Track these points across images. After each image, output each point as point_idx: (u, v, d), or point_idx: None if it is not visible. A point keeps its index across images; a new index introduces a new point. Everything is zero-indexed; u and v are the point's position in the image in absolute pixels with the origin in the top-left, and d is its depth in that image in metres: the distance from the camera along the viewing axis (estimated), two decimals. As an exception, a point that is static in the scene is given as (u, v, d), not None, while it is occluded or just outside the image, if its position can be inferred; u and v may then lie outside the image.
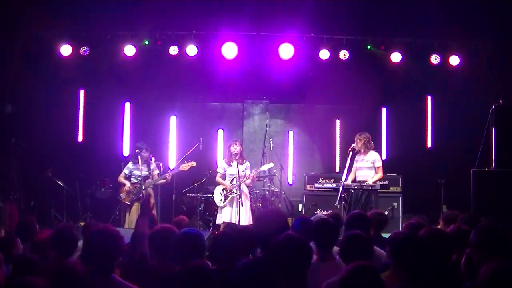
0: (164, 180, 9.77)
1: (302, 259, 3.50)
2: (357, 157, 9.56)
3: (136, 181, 9.75)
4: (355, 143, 9.47)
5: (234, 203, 9.44)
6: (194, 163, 9.83)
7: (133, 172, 9.81)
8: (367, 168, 9.48)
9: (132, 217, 9.48)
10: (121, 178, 9.89)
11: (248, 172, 9.67)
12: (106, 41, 11.04)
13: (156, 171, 9.94)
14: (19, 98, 11.23)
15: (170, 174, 9.80)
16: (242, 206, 9.38)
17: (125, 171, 9.89)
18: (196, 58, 11.12)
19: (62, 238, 4.55)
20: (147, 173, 9.71)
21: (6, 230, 6.51)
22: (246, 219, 9.41)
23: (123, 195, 9.81)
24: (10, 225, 8.81)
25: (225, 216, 9.44)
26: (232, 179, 9.58)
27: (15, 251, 4.96)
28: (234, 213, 9.40)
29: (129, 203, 9.71)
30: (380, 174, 9.45)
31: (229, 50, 10.97)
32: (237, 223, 9.02)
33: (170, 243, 4.24)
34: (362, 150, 9.49)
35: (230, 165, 9.67)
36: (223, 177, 9.68)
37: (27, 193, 10.81)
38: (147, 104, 12.02)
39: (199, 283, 3.33)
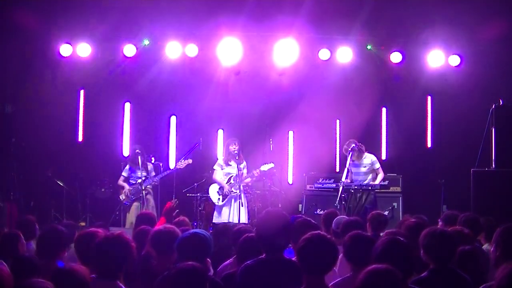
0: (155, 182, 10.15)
1: (328, 258, 3.60)
2: (350, 161, 9.54)
3: (134, 182, 10.00)
4: (351, 155, 9.36)
5: (233, 202, 9.48)
6: (190, 160, 10.02)
7: (132, 175, 10.08)
8: (364, 173, 9.52)
9: (131, 217, 9.66)
10: (120, 181, 10.17)
11: (245, 171, 9.73)
12: (106, 41, 11.03)
13: (153, 172, 10.20)
14: (19, 98, 11.22)
15: (158, 179, 10.10)
16: (242, 206, 9.43)
17: (124, 173, 10.19)
18: (196, 58, 11.13)
19: (48, 241, 4.57)
20: (145, 174, 9.92)
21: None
22: (245, 219, 9.48)
23: (122, 196, 10.06)
24: (10, 225, 8.81)
25: (224, 216, 9.49)
26: (230, 178, 9.62)
27: (20, 247, 4.99)
28: (233, 212, 9.45)
29: (128, 204, 9.95)
30: (382, 174, 9.53)
31: (229, 49, 10.97)
32: (238, 223, 9.06)
33: (172, 244, 4.25)
34: (357, 156, 9.50)
35: (228, 164, 9.73)
36: (219, 175, 9.75)
37: (27, 193, 10.82)
38: (147, 104, 12.01)
39: (192, 284, 3.33)
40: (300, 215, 6.99)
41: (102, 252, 3.77)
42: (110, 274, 3.72)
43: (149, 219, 5.98)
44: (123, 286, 3.79)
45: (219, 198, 9.65)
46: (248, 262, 3.86)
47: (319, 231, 3.74)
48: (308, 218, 5.27)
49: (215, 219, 9.62)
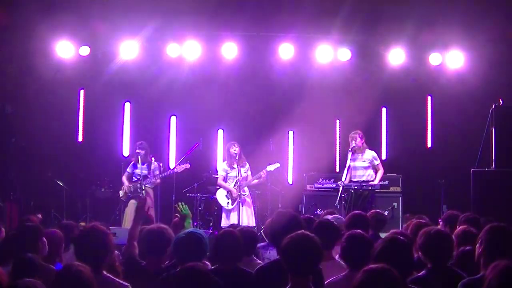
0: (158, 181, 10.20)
1: (312, 259, 3.54)
2: (351, 156, 9.58)
3: (136, 179, 10.12)
4: (354, 142, 9.45)
5: (241, 206, 9.51)
6: (188, 165, 10.07)
7: (134, 172, 10.19)
8: (364, 168, 9.55)
9: (127, 215, 9.74)
10: (123, 177, 10.31)
11: (249, 173, 9.75)
12: (107, 41, 11.04)
13: (157, 171, 10.17)
14: (19, 98, 11.22)
15: (158, 178, 10.15)
16: (242, 206, 9.43)
17: (128, 170, 10.32)
18: (196, 58, 11.14)
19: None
20: (146, 172, 9.94)
21: (6, 230, 6.49)
22: (250, 220, 9.47)
23: (121, 193, 10.21)
24: (10, 225, 8.81)
25: (233, 219, 9.48)
26: (236, 181, 9.62)
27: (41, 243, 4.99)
28: (242, 215, 9.48)
29: (124, 201, 10.12)
30: (382, 170, 9.58)
31: (229, 50, 10.98)
32: (240, 224, 9.05)
33: (163, 243, 4.30)
34: (361, 147, 9.54)
35: (232, 168, 9.73)
36: (225, 179, 9.74)
37: (27, 193, 10.82)
38: (147, 104, 12.01)
39: (196, 285, 3.33)
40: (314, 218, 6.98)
41: (81, 247, 3.85)
42: (94, 266, 3.72)
43: (146, 220, 5.96)
44: (109, 275, 3.81)
45: (228, 202, 9.68)
46: (262, 264, 3.86)
47: (302, 231, 3.68)
48: (331, 220, 5.24)
49: (224, 223, 9.61)
